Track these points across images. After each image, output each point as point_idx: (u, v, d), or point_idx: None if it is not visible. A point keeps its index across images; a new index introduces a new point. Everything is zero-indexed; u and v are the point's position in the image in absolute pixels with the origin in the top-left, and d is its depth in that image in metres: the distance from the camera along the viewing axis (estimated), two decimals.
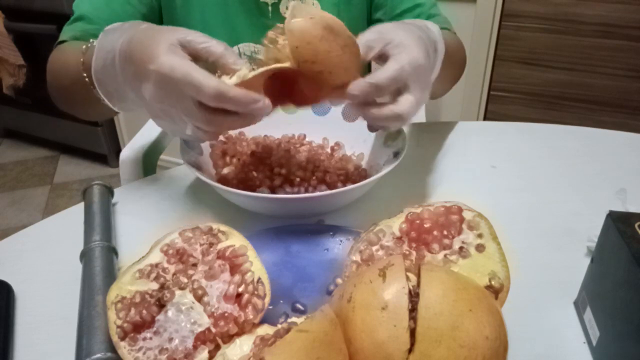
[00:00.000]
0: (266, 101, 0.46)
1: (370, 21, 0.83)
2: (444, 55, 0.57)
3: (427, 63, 0.51)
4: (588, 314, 0.44)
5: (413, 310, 0.34)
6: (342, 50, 0.47)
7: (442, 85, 0.74)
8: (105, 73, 0.54)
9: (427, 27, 0.56)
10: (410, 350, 0.33)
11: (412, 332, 0.33)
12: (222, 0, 0.75)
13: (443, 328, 0.33)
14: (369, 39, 0.50)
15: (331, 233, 0.53)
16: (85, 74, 0.57)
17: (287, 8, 0.76)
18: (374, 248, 0.44)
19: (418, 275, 0.37)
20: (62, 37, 0.68)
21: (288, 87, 0.50)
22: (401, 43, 0.49)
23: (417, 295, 0.35)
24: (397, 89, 0.49)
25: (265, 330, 0.40)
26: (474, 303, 0.35)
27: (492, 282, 0.39)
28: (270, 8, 0.76)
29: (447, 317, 0.33)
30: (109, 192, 0.62)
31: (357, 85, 0.47)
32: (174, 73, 0.45)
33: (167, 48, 0.46)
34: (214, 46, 0.48)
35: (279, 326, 0.39)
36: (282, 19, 0.76)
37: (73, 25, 0.69)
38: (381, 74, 0.47)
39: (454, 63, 0.73)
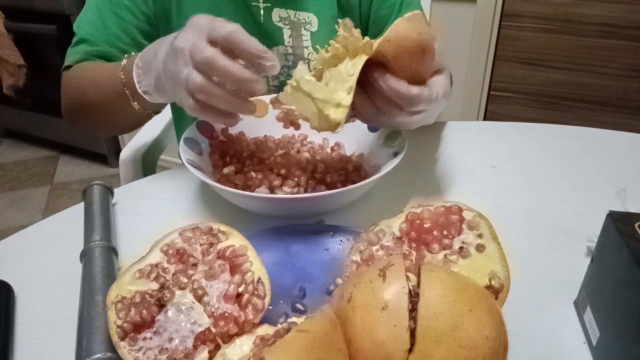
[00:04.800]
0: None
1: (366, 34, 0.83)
2: None
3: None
4: (588, 314, 0.44)
5: (413, 310, 0.34)
6: (413, 73, 0.49)
7: None
8: (147, 65, 0.56)
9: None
10: (410, 350, 0.33)
11: (412, 332, 0.33)
12: (215, 7, 0.75)
13: (443, 328, 0.33)
14: None
15: (331, 233, 0.53)
16: (123, 77, 0.60)
17: (279, 17, 0.76)
18: (374, 248, 0.44)
19: (418, 275, 0.37)
20: (68, 61, 0.70)
21: None
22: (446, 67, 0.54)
23: (417, 295, 0.35)
24: None
25: (265, 330, 0.40)
26: (474, 303, 0.35)
27: (492, 282, 0.39)
28: (262, 12, 0.75)
29: (447, 317, 0.33)
30: (109, 192, 0.62)
31: (411, 88, 0.49)
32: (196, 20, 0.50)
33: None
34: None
35: (279, 326, 0.39)
36: (273, 25, 0.76)
37: (76, 48, 0.71)
38: (427, 91, 0.50)
39: None
